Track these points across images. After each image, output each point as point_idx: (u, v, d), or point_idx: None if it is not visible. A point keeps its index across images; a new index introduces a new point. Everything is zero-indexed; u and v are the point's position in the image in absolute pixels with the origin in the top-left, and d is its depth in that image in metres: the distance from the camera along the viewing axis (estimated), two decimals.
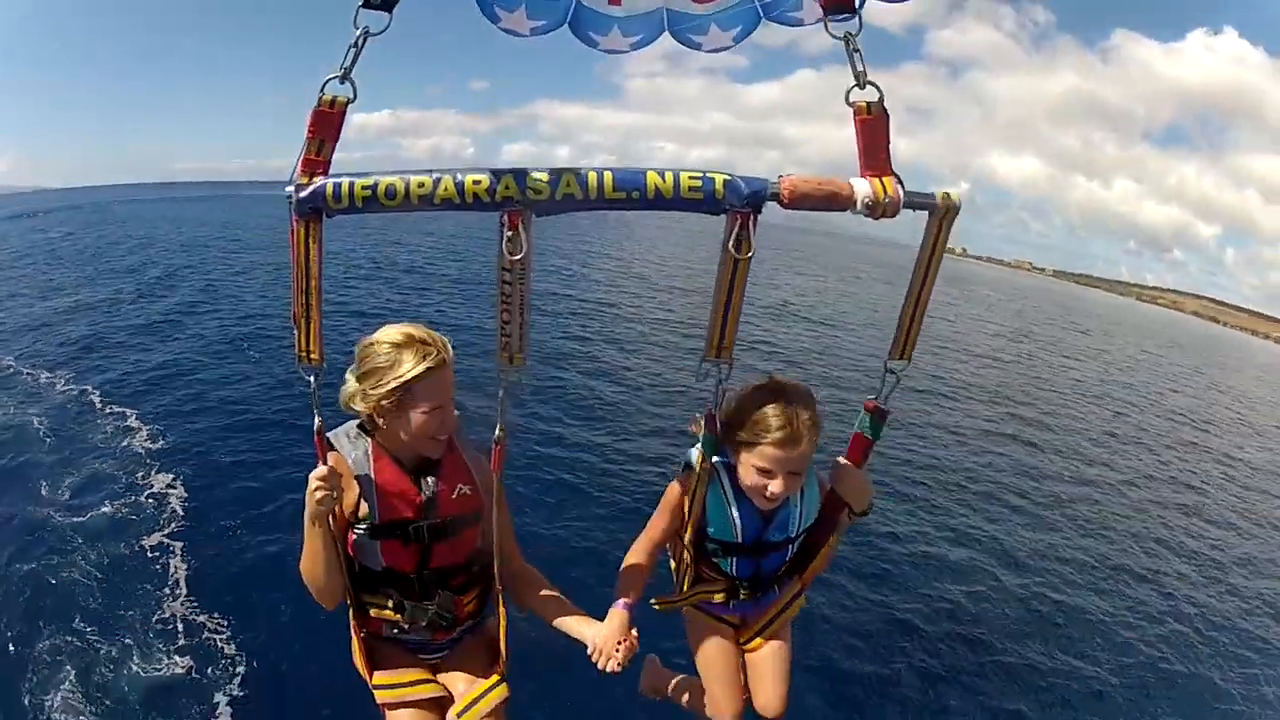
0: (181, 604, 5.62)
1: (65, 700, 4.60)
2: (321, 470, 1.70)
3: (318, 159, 1.54)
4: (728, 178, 1.56)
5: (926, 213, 1.66)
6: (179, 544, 6.38)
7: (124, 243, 25.47)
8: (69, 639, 5.11)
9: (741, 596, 2.13)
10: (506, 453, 1.82)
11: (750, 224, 1.58)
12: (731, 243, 1.58)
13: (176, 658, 5.08)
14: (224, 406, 9.51)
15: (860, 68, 1.57)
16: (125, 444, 8.23)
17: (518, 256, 1.55)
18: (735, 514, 1.99)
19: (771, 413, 1.85)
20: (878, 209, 1.59)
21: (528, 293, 1.60)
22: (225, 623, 5.43)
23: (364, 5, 1.50)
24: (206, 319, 14.07)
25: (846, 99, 1.59)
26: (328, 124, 1.53)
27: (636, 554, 2.08)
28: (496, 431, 1.77)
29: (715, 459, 1.94)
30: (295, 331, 1.63)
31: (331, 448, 1.81)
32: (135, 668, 4.96)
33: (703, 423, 1.87)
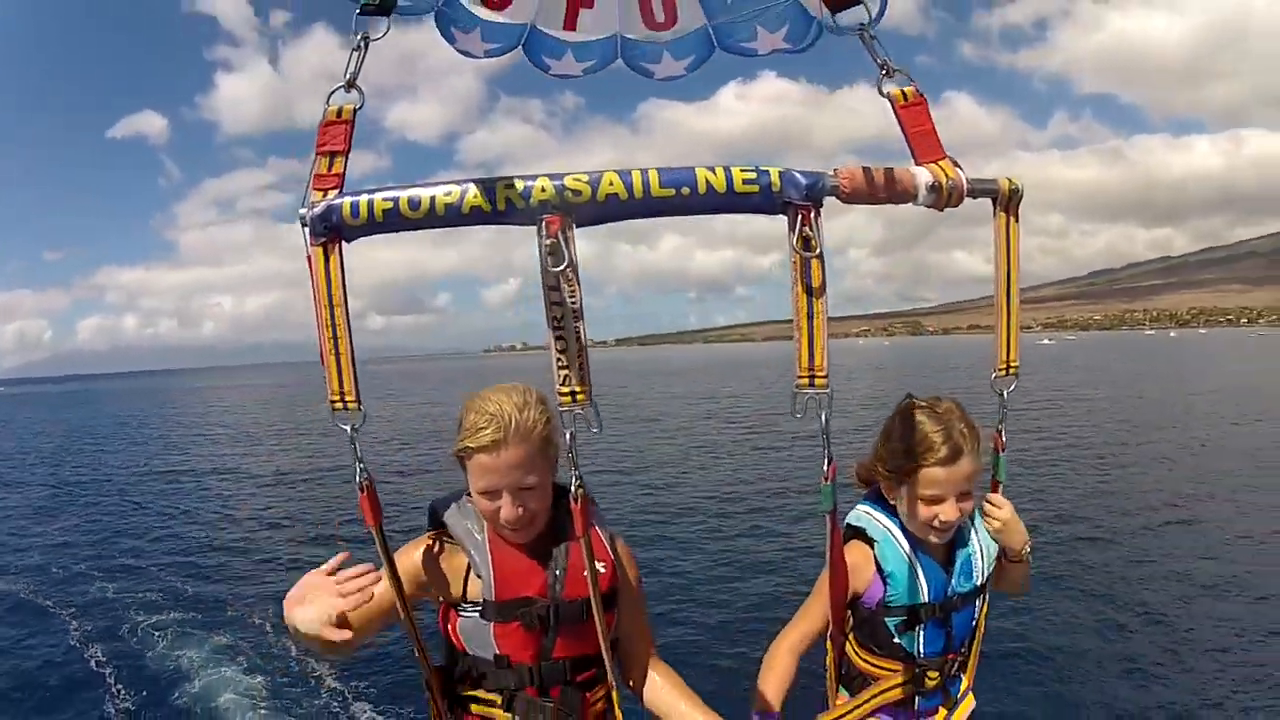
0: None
1: None
2: (313, 576, 1.40)
3: (330, 174, 1.38)
4: (782, 170, 1.44)
5: (990, 202, 1.55)
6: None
7: None
8: None
9: (929, 684, 1.74)
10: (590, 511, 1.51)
11: (814, 219, 1.43)
12: (797, 241, 1.42)
13: None
14: None
15: (883, 57, 1.50)
16: None
17: (562, 266, 1.33)
18: (920, 568, 1.71)
19: (929, 429, 1.65)
20: (942, 196, 1.48)
21: (580, 312, 1.37)
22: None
23: (360, 12, 1.41)
24: None
25: (880, 91, 1.52)
26: (338, 135, 1.40)
27: (782, 650, 1.73)
28: (572, 486, 1.45)
29: (873, 511, 1.77)
30: (325, 374, 1.36)
31: (438, 514, 1.62)
32: None
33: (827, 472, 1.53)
